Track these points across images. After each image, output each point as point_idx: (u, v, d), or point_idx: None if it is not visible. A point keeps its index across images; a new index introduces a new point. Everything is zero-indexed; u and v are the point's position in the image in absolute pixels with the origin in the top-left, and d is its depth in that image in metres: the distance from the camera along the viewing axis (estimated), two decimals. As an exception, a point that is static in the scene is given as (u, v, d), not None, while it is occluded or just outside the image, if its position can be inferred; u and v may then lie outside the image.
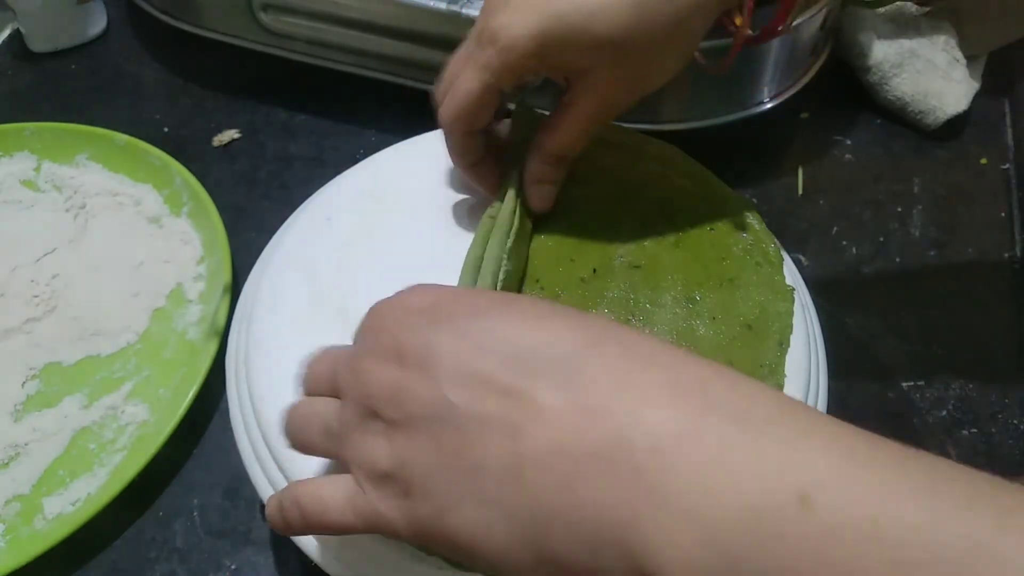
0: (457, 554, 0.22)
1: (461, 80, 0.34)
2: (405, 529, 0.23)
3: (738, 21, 0.36)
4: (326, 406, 0.26)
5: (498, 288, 0.33)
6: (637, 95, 0.34)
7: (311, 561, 0.30)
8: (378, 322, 0.25)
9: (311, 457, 0.30)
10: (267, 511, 0.27)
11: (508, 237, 0.34)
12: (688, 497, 0.18)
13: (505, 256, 0.33)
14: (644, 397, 0.20)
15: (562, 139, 0.35)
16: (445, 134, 0.36)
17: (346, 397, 0.25)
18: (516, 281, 0.34)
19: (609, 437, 0.20)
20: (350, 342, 0.31)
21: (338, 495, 0.24)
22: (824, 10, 0.50)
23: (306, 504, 0.25)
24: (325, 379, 0.27)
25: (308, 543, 0.30)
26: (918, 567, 0.16)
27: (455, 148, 0.36)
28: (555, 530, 0.20)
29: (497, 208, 0.35)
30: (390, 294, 0.36)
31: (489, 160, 0.37)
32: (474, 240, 0.34)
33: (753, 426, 0.19)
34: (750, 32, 0.36)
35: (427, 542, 0.23)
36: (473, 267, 0.33)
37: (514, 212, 0.35)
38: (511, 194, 0.35)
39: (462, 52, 0.35)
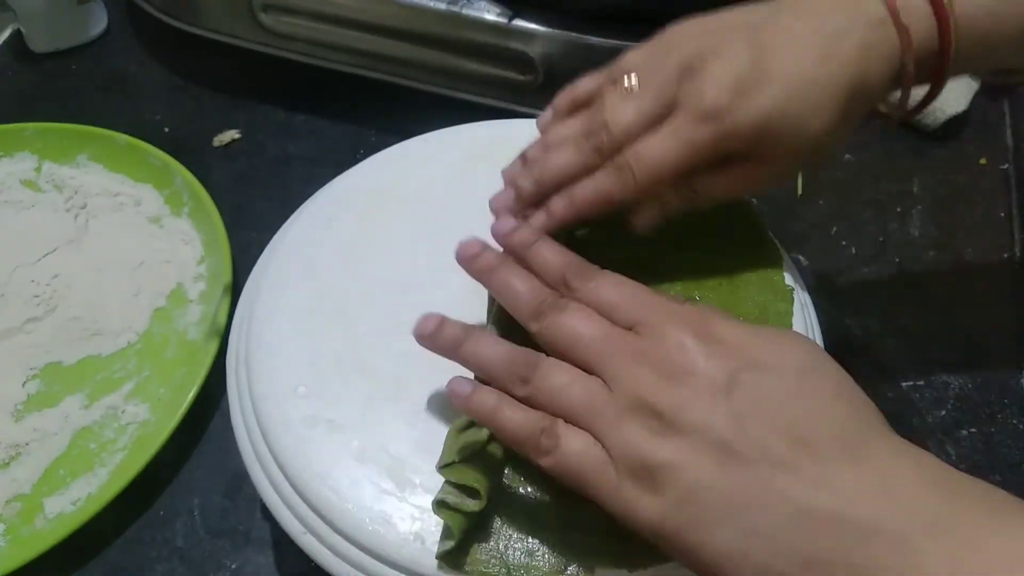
0: (695, 565, 0.24)
1: (658, 143, 0.31)
2: (651, 520, 0.24)
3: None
4: (589, 379, 0.26)
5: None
6: (799, 171, 0.36)
7: (311, 561, 0.30)
8: (663, 331, 0.26)
9: (310, 457, 0.31)
10: (521, 427, 0.27)
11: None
12: (948, 567, 0.21)
13: None
14: (914, 486, 0.23)
15: (711, 188, 0.33)
16: (611, 181, 0.32)
17: (620, 387, 0.26)
18: None
19: (887, 514, 0.22)
20: (351, 340, 0.31)
21: (594, 456, 0.25)
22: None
23: (565, 444, 0.26)
24: (594, 349, 0.27)
25: (308, 543, 0.30)
26: None
27: (587, 201, 0.33)
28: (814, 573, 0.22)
29: None
30: (390, 294, 0.36)
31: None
32: None
33: (1000, 514, 0.22)
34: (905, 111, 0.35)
35: (665, 540, 0.24)
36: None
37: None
38: None
39: (638, 96, 0.32)
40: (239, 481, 0.41)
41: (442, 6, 0.49)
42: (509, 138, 0.39)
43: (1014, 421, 0.44)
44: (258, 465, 0.32)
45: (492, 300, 0.32)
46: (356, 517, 0.29)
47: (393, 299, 0.35)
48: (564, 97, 0.36)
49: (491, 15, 0.50)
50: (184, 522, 0.40)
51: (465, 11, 0.49)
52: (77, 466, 0.41)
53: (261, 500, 0.32)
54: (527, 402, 0.27)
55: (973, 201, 0.54)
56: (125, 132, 0.54)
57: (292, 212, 0.41)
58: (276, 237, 0.40)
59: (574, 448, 0.26)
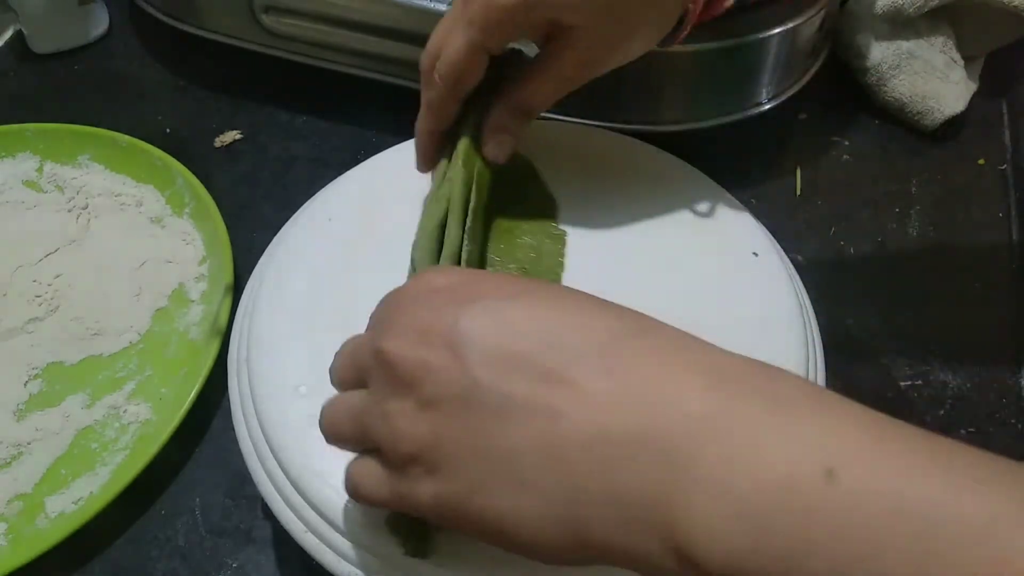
0: (485, 535, 0.23)
1: (449, 40, 0.34)
2: (431, 508, 0.23)
3: None
4: (353, 396, 0.26)
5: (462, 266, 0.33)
6: (615, 59, 0.35)
7: (313, 560, 0.30)
8: (397, 304, 0.25)
9: (311, 456, 0.31)
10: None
11: (466, 214, 0.34)
12: (720, 474, 0.19)
13: (465, 235, 0.33)
14: (679, 385, 0.21)
15: (534, 91, 0.35)
16: (426, 97, 0.36)
17: (371, 381, 0.25)
18: (477, 259, 0.35)
19: (648, 423, 0.20)
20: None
21: (373, 473, 0.25)
22: (822, 12, 0.50)
23: (352, 479, 0.26)
24: (350, 370, 0.27)
25: (309, 542, 0.31)
26: (940, 539, 0.17)
27: (432, 108, 0.36)
28: (592, 511, 0.21)
29: (447, 170, 0.36)
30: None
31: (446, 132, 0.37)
32: (426, 209, 0.35)
33: (782, 409, 0.20)
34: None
35: (453, 522, 0.23)
36: (429, 242, 0.33)
37: (468, 181, 0.35)
38: (462, 159, 0.35)
39: (447, 17, 0.35)
40: (240, 480, 0.41)
41: (442, 7, 0.49)
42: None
43: (1013, 421, 0.44)
44: (259, 464, 0.32)
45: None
46: (357, 516, 0.29)
47: (393, 299, 0.36)
48: None
49: (491, 16, 0.50)
50: (185, 521, 0.40)
51: (465, 12, 0.49)
52: (79, 465, 0.41)
53: (262, 499, 0.32)
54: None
55: (971, 201, 0.54)
56: (127, 133, 0.54)
57: (293, 212, 0.41)
58: (277, 237, 0.40)
59: (356, 480, 0.26)
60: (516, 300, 0.23)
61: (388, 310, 0.26)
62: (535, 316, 0.23)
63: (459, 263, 0.33)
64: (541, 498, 0.21)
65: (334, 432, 0.27)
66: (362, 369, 0.26)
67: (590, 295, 0.24)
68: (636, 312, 0.24)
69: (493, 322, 0.23)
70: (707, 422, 0.20)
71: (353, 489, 0.26)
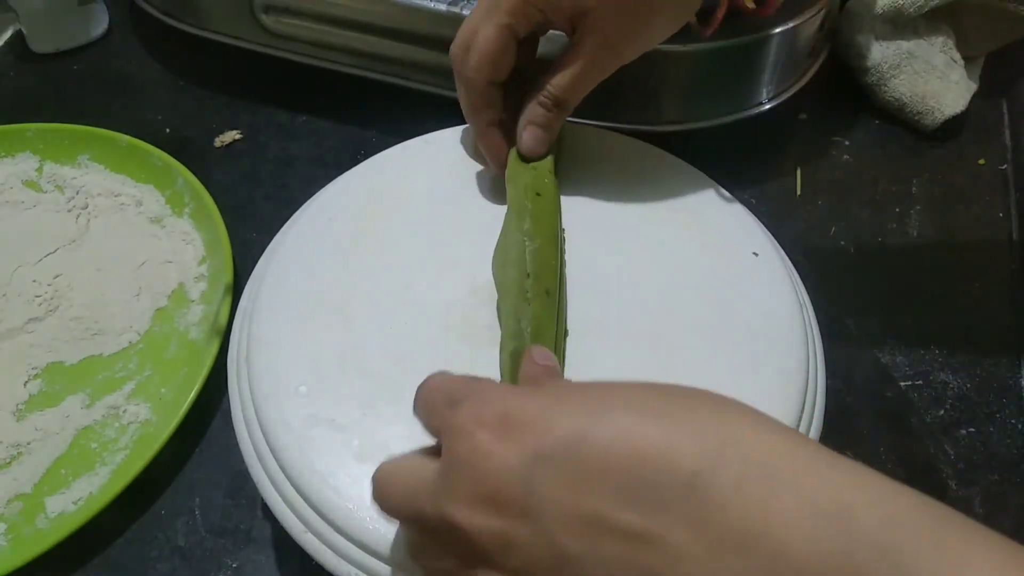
0: None
1: (480, 31, 0.35)
2: None
3: None
4: (424, 540, 0.25)
5: (529, 268, 0.33)
6: (640, 44, 0.35)
7: (312, 560, 0.30)
8: (454, 447, 0.23)
9: (311, 456, 0.31)
10: None
11: (525, 215, 0.35)
12: None
13: (525, 237, 0.34)
14: (784, 528, 0.19)
15: (564, 81, 0.35)
16: (466, 90, 0.37)
17: (447, 546, 0.23)
18: (552, 254, 0.34)
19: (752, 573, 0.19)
20: (352, 340, 0.31)
21: None
22: (822, 12, 0.50)
23: None
24: (406, 511, 0.25)
25: (309, 542, 0.31)
26: None
27: (477, 102, 0.37)
28: None
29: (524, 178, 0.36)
30: (390, 293, 0.36)
31: (506, 125, 0.37)
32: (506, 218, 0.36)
33: (895, 558, 0.18)
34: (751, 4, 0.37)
35: None
36: (501, 251, 0.34)
37: (529, 186, 0.35)
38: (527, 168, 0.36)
39: (473, 13, 0.36)
40: (240, 480, 0.41)
41: (443, 7, 0.49)
42: (509, 139, 0.39)
43: (1012, 420, 0.44)
44: (259, 464, 0.32)
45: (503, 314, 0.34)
46: (357, 516, 0.29)
47: (393, 299, 0.36)
48: None
49: (491, 16, 0.50)
50: (185, 521, 0.40)
51: (466, 12, 0.49)
52: (78, 465, 0.41)
53: (262, 499, 0.32)
54: None
55: (971, 201, 0.54)
56: (126, 133, 0.54)
57: (293, 212, 0.41)
58: (277, 237, 0.40)
59: None
60: (584, 436, 0.21)
61: (451, 458, 0.23)
62: (609, 454, 0.20)
63: (527, 268, 0.33)
64: None
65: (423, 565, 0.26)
66: (427, 525, 0.24)
67: (656, 395, 0.22)
68: (710, 410, 0.21)
69: (563, 478, 0.21)
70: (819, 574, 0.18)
71: None
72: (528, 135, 0.37)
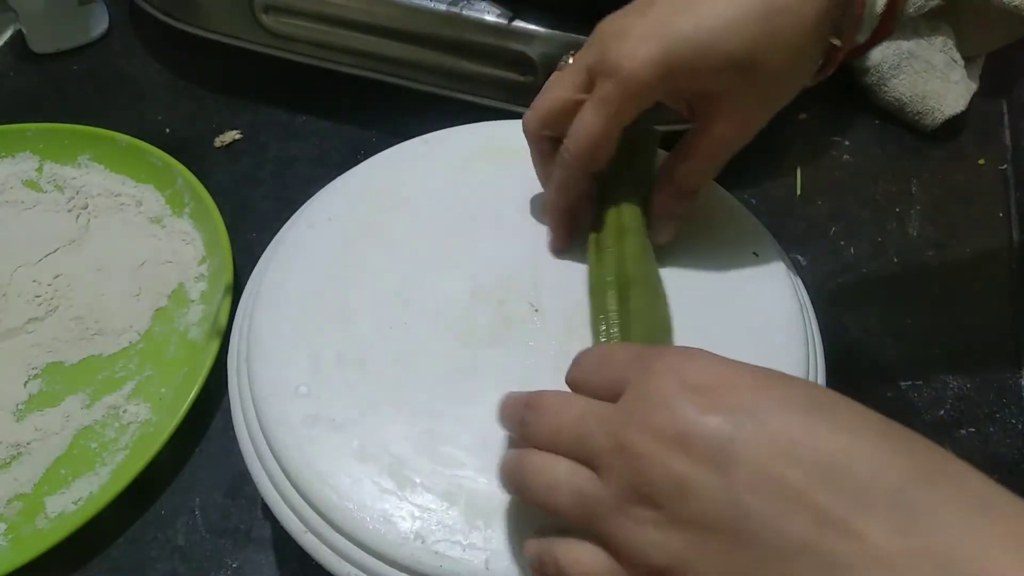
0: None
1: (582, 119, 0.32)
2: None
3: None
4: (576, 475, 0.24)
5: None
6: (771, 113, 0.33)
7: (312, 560, 0.30)
8: (645, 388, 0.23)
9: (311, 456, 0.31)
10: (529, 559, 0.25)
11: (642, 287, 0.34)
12: None
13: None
14: (986, 551, 0.18)
15: (696, 168, 0.34)
16: (559, 170, 0.34)
17: (611, 474, 0.23)
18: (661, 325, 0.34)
19: None
20: (352, 340, 0.30)
21: (601, 569, 0.23)
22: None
23: (566, 567, 0.24)
24: (572, 437, 0.24)
25: (309, 542, 0.31)
26: None
27: (563, 187, 0.35)
28: None
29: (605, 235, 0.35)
30: (390, 293, 0.36)
31: (584, 204, 0.36)
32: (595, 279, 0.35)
33: None
34: (860, 40, 0.35)
35: None
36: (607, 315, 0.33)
37: (639, 256, 0.34)
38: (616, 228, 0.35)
39: (565, 81, 0.33)
40: (240, 480, 0.41)
41: (442, 7, 0.49)
42: (509, 138, 0.39)
43: (1013, 421, 0.44)
44: (259, 464, 0.32)
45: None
46: (357, 516, 0.29)
47: (393, 298, 0.36)
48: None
49: (491, 16, 0.50)
50: (185, 521, 0.40)
51: (465, 12, 0.49)
52: (78, 465, 0.41)
53: (262, 499, 0.32)
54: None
55: (971, 201, 0.54)
56: (126, 133, 0.54)
57: (293, 212, 0.41)
58: (277, 237, 0.40)
59: (577, 568, 0.23)
60: (791, 416, 0.21)
61: (640, 392, 0.23)
62: (816, 439, 0.20)
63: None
64: None
65: (545, 500, 0.24)
66: (594, 452, 0.23)
67: (877, 417, 0.22)
68: (927, 445, 0.21)
69: (769, 441, 0.20)
70: None
71: (565, 571, 0.24)
72: (665, 228, 0.35)
